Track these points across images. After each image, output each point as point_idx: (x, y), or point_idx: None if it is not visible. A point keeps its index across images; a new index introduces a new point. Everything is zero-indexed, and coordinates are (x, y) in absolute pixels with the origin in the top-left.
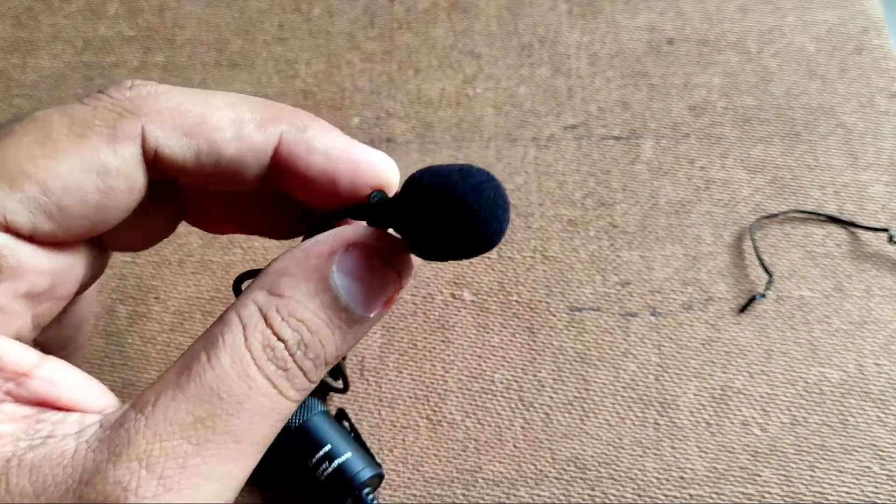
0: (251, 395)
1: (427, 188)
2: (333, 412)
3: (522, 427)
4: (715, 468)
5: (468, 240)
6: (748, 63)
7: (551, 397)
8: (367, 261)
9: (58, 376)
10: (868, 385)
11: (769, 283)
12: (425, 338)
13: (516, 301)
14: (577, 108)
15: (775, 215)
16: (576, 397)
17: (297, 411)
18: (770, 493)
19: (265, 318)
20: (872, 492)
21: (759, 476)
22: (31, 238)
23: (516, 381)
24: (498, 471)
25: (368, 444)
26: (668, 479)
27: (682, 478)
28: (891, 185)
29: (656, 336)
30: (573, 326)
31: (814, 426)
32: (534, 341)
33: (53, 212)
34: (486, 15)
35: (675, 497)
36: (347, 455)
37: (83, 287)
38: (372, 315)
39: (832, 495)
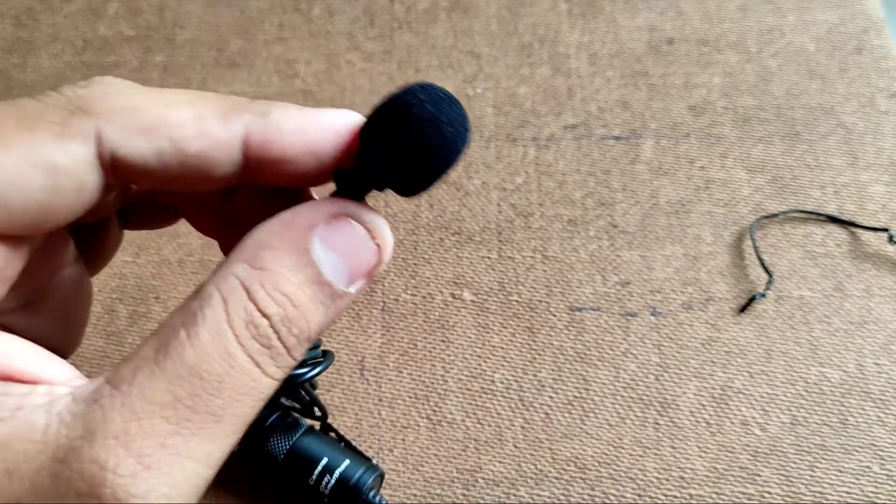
0: (232, 373)
1: (385, 123)
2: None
3: (522, 427)
4: (715, 468)
5: (444, 150)
6: (748, 63)
7: (551, 397)
8: (347, 233)
9: (14, 350)
10: (868, 385)
11: (769, 282)
12: (425, 338)
13: (516, 301)
14: (577, 108)
15: (775, 215)
16: (576, 397)
17: (281, 439)
18: (770, 493)
19: (247, 292)
20: (872, 492)
21: (759, 476)
22: None
23: (516, 381)
24: (498, 471)
25: (368, 445)
26: (668, 479)
27: (682, 478)
28: (891, 185)
29: (656, 336)
30: (573, 326)
31: (814, 426)
32: (534, 341)
33: None
34: (486, 15)
35: (675, 497)
36: (346, 463)
37: (72, 281)
38: (353, 290)
39: (832, 495)
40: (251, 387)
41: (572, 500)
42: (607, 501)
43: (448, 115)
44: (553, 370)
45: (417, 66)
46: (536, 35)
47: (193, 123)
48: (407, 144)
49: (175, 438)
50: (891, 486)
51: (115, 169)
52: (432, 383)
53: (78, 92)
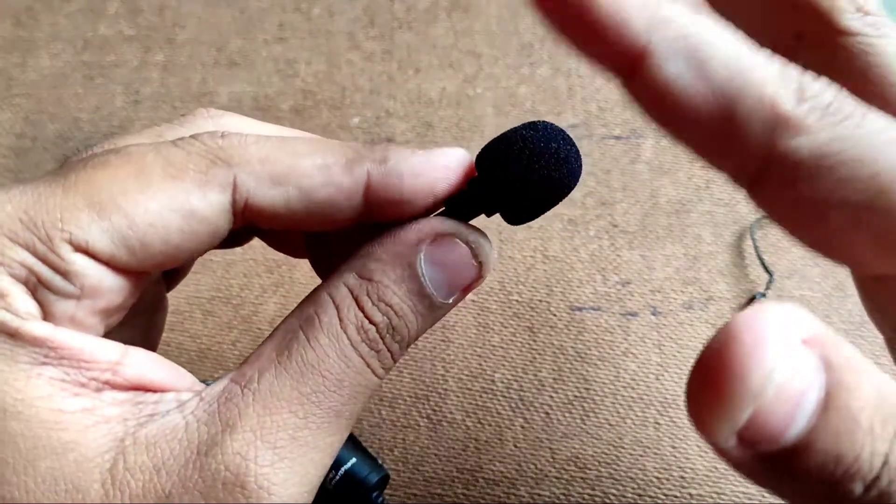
0: (349, 373)
1: (506, 154)
2: None
3: (522, 426)
4: (716, 468)
5: (559, 183)
6: None
7: (551, 397)
8: (452, 251)
9: (145, 362)
10: None
11: (770, 282)
12: (425, 338)
13: (517, 300)
14: (578, 108)
15: None
16: (576, 397)
17: None
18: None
19: (356, 302)
20: None
21: None
22: (107, 263)
23: (517, 381)
24: (498, 470)
25: (368, 444)
26: (668, 479)
27: (682, 477)
28: None
29: (657, 335)
30: (574, 326)
31: None
32: (534, 341)
33: (134, 246)
34: (486, 14)
35: (676, 496)
36: (353, 461)
37: (155, 297)
38: (451, 301)
39: None
40: (364, 385)
41: (572, 499)
42: (607, 501)
43: (566, 152)
44: (553, 370)
45: (418, 66)
46: (536, 35)
47: (320, 173)
48: (526, 176)
49: (304, 431)
50: None
51: (244, 213)
52: (432, 383)
53: (218, 142)
